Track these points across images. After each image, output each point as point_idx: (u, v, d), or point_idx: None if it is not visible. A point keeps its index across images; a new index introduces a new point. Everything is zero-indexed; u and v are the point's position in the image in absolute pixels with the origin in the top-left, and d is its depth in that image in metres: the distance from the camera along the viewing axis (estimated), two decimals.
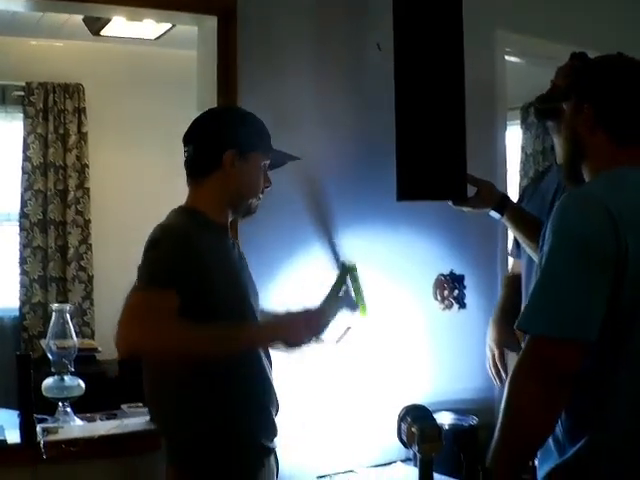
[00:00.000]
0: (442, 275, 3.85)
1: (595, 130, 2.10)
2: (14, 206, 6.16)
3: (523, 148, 6.75)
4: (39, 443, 2.91)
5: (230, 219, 2.62)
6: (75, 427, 3.22)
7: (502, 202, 3.03)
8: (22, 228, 6.12)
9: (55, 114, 6.15)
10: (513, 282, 3.38)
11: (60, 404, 3.27)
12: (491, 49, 4.05)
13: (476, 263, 3.96)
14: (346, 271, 2.75)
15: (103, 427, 3.17)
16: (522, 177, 6.62)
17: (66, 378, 3.30)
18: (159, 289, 2.25)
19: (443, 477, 3.10)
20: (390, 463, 3.53)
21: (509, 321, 3.17)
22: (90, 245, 6.25)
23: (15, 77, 6.04)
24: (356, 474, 3.40)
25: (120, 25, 5.14)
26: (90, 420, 3.37)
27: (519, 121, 6.68)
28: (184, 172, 2.58)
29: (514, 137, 6.42)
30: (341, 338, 2.58)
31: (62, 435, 3.03)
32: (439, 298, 3.84)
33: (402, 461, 3.54)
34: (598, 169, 2.10)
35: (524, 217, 3.02)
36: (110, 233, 6.19)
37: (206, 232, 2.46)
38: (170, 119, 6.01)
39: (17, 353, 3.27)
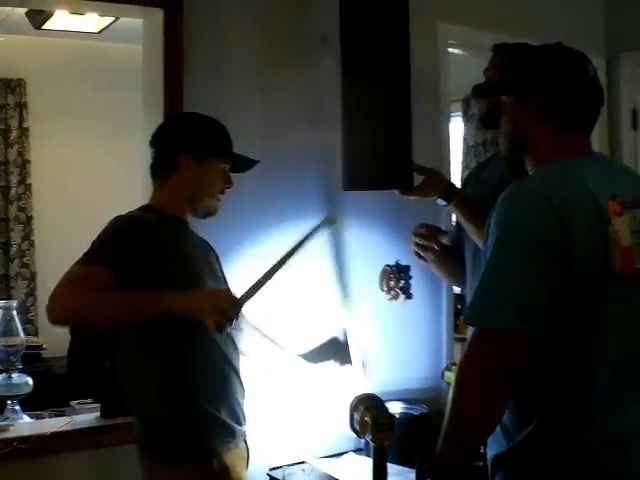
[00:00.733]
0: (388, 266, 3.83)
1: (537, 121, 2.12)
2: None
3: (465, 140, 6.82)
4: None
5: (189, 218, 2.71)
6: (25, 425, 3.21)
7: (449, 190, 3.04)
8: None
9: None
10: None
11: (9, 402, 3.25)
12: (435, 41, 4.08)
13: None
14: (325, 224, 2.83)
15: (54, 424, 3.14)
16: (464, 168, 6.68)
17: (14, 375, 3.28)
18: (95, 266, 2.37)
19: (396, 466, 3.11)
20: (342, 453, 3.54)
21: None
22: (33, 242, 6.19)
23: None
24: (308, 465, 3.40)
25: (63, 19, 5.09)
26: (39, 417, 3.35)
27: (460, 113, 6.74)
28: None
29: (456, 129, 6.47)
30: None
31: (13, 433, 3.01)
32: (385, 289, 3.82)
33: (354, 451, 3.55)
34: (542, 160, 2.12)
35: (471, 205, 3.03)
36: (53, 229, 6.13)
37: (160, 223, 2.57)
38: (113, 114, 6.02)
39: None
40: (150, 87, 3.38)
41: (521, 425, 2.00)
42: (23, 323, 5.73)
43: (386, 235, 3.85)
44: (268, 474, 3.33)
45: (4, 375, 3.26)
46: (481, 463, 2.12)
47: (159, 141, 2.71)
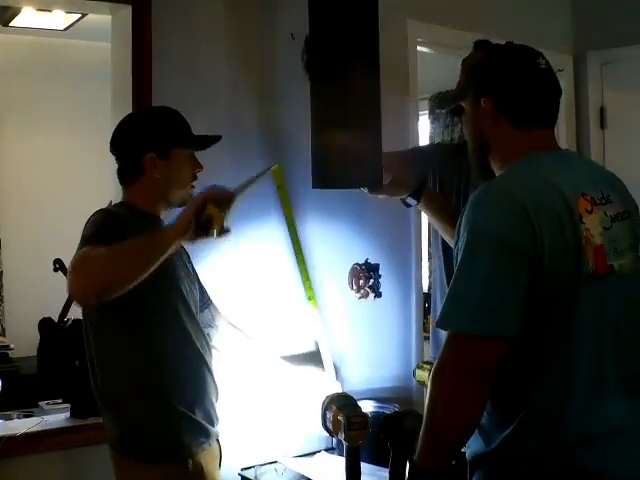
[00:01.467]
0: (357, 264, 3.82)
1: (497, 120, 2.14)
2: None
3: (431, 138, 6.83)
4: None
5: (165, 212, 2.69)
6: None
7: (418, 189, 3.02)
8: None
9: None
10: None
11: None
12: (404, 39, 4.08)
13: (390, 251, 3.97)
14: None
15: (24, 425, 3.12)
16: None
17: None
18: (96, 244, 2.30)
19: (369, 465, 3.11)
20: (314, 453, 3.54)
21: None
22: None
23: None
24: (281, 465, 3.39)
25: (30, 16, 5.08)
26: (7, 418, 3.33)
27: (427, 111, 6.74)
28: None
29: (423, 127, 6.48)
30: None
31: None
32: (355, 287, 3.82)
33: (326, 450, 3.55)
34: (507, 158, 2.13)
35: (440, 203, 3.04)
36: (19, 228, 6.04)
37: (135, 218, 2.56)
38: (80, 111, 5.97)
39: None
40: (118, 84, 3.36)
41: (500, 426, 2.00)
42: None
43: (355, 233, 3.85)
44: (240, 474, 3.31)
45: None
46: (453, 462, 2.12)
47: (118, 147, 2.67)
